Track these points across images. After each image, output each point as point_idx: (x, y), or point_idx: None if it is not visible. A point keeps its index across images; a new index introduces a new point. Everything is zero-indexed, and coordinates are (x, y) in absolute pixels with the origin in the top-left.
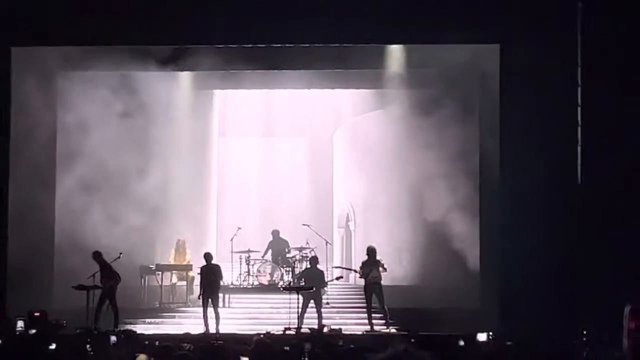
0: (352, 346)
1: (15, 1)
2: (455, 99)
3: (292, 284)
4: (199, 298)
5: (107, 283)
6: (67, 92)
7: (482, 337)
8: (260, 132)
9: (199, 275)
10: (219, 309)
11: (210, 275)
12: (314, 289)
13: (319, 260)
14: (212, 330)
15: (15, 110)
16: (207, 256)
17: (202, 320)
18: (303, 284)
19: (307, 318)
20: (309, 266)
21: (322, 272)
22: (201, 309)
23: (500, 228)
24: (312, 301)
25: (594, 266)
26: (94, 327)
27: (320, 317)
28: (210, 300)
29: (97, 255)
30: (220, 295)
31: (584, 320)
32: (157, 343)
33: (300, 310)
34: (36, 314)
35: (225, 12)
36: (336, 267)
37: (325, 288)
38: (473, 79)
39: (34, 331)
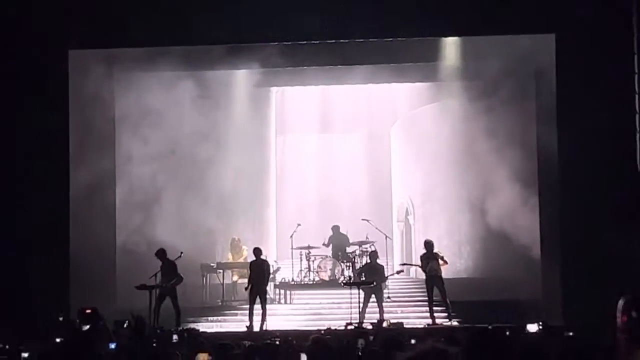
0: (413, 341)
1: (71, 4)
2: (511, 90)
3: (352, 279)
4: (246, 290)
5: (169, 282)
6: (125, 91)
7: (532, 327)
8: (317, 129)
9: (249, 271)
10: (267, 305)
11: (259, 271)
12: (375, 283)
13: (379, 254)
14: (257, 327)
15: (74, 111)
16: (257, 251)
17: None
18: (363, 278)
19: (369, 313)
20: (368, 261)
21: (382, 266)
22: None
23: (561, 218)
24: (373, 296)
25: None
26: (157, 326)
27: (381, 312)
28: (258, 296)
29: (161, 254)
30: (282, 291)
31: None
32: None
33: (361, 305)
34: (87, 310)
35: (282, 10)
36: (403, 265)
37: (386, 282)
38: (529, 68)
39: (87, 327)
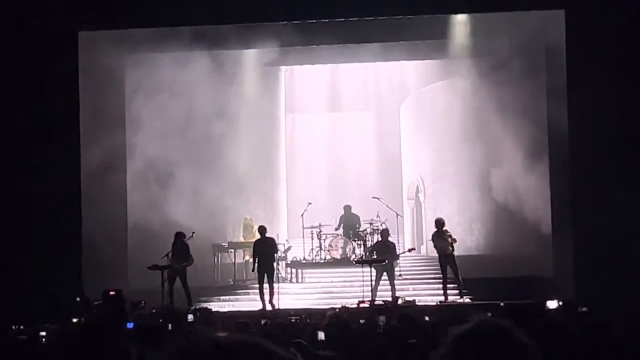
0: (427, 318)
1: None
2: (521, 66)
3: (364, 257)
4: (252, 271)
5: (180, 263)
6: (135, 69)
7: (552, 304)
8: (327, 107)
9: (252, 250)
10: (275, 284)
11: (265, 249)
12: (387, 261)
13: (390, 232)
14: (269, 306)
15: (84, 91)
16: (261, 229)
17: (276, 296)
18: (375, 256)
19: (380, 290)
20: (380, 239)
21: (393, 244)
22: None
23: (572, 194)
24: (384, 274)
25: None
26: (170, 306)
27: (393, 290)
28: (265, 275)
29: (180, 236)
30: (293, 270)
31: None
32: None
33: (373, 283)
34: (111, 292)
35: None
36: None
37: (398, 260)
38: (539, 45)
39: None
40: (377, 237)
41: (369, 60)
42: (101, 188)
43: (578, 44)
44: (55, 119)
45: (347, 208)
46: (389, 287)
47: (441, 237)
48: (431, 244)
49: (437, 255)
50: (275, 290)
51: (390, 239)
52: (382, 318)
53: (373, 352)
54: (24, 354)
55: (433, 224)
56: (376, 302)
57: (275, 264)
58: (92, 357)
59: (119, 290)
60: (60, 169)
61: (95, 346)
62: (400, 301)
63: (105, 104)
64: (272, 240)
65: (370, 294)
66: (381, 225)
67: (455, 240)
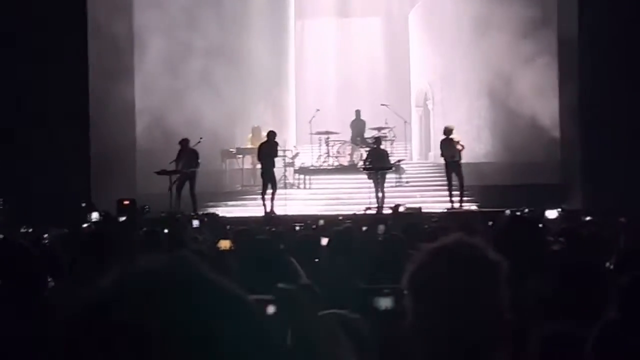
0: (426, 226)
1: None
2: None
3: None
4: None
5: (188, 168)
6: None
7: (551, 214)
8: (335, 13)
9: (257, 152)
10: (281, 190)
11: (268, 152)
12: (394, 168)
13: (398, 139)
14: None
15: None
16: (270, 134)
17: (283, 202)
18: (368, 164)
19: (389, 197)
20: (374, 146)
21: (386, 151)
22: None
23: (580, 101)
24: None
25: None
26: (177, 211)
27: (383, 197)
28: (267, 178)
29: (185, 143)
30: (301, 176)
31: None
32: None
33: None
34: (125, 202)
35: None
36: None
37: (403, 167)
38: None
39: (123, 218)
40: (384, 144)
41: None
42: (109, 93)
43: None
44: (61, 19)
45: (358, 113)
46: (397, 194)
47: (449, 144)
48: (439, 151)
49: (443, 162)
50: (283, 196)
51: (382, 146)
52: (381, 227)
53: (371, 261)
54: (25, 254)
55: (442, 131)
56: (383, 209)
57: (281, 170)
58: (96, 265)
59: (133, 200)
60: (66, 65)
61: (102, 255)
62: (401, 209)
63: (112, 12)
64: (274, 143)
65: (376, 201)
66: (389, 132)
67: (463, 147)
